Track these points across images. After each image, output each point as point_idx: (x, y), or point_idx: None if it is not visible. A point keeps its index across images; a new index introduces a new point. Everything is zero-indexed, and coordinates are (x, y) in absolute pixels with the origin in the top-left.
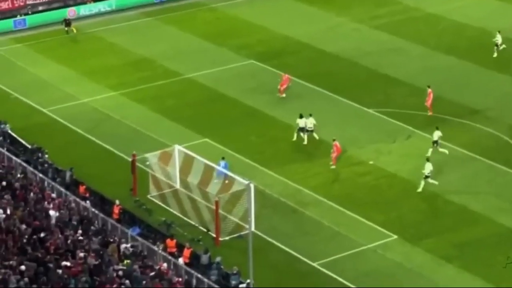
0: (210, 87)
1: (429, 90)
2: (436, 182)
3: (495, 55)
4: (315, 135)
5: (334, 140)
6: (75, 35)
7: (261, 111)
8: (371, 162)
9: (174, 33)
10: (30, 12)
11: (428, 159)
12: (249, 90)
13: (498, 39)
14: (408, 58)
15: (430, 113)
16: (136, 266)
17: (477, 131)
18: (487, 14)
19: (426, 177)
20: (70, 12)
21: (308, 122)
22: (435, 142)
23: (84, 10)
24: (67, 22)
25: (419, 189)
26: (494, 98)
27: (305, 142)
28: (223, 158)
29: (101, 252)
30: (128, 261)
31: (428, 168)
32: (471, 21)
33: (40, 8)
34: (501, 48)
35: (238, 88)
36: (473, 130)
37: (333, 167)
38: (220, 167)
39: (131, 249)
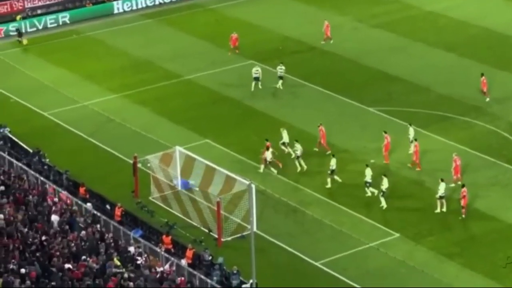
0: (210, 88)
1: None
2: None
3: (252, 89)
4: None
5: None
6: (26, 46)
7: (261, 112)
8: (372, 161)
9: (173, 35)
10: (29, 14)
11: (385, 175)
12: (249, 90)
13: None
14: (408, 56)
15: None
16: (138, 268)
17: (478, 128)
18: (486, 11)
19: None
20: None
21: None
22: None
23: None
24: (19, 33)
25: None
26: (494, 95)
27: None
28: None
29: (103, 255)
30: (131, 263)
31: (385, 183)
32: (470, 18)
33: (39, 11)
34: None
35: (238, 89)
36: (474, 127)
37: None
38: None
39: (133, 251)
